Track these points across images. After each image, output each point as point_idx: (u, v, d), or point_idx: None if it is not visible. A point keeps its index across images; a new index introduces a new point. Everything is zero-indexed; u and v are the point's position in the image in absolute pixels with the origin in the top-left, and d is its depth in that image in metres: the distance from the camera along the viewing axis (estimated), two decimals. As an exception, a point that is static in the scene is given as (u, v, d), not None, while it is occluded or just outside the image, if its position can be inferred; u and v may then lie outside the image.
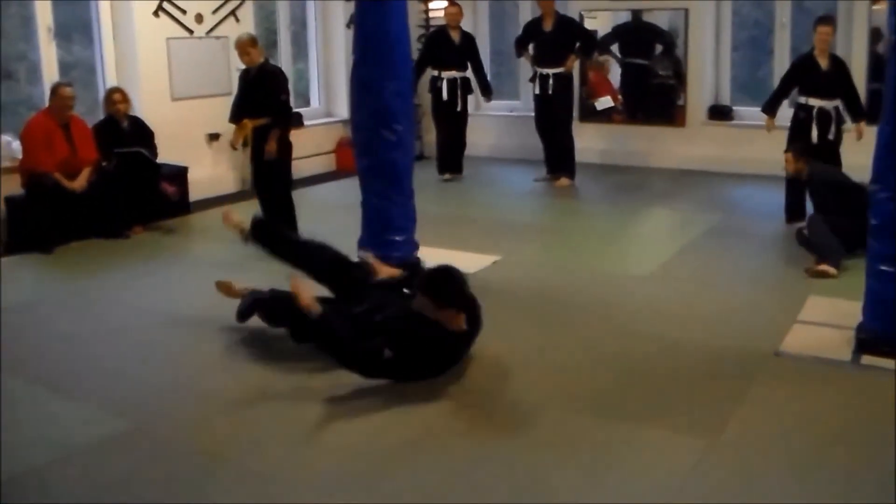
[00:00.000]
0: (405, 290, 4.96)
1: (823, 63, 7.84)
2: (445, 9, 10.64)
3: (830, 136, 7.80)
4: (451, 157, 10.74)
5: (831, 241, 6.60)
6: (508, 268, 6.86)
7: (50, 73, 8.69)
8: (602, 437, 4.08)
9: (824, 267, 6.42)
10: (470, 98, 10.83)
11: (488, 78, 10.91)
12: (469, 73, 10.61)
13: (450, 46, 10.41)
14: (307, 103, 11.63)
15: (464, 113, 10.68)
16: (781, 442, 4.01)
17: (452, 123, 10.64)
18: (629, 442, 4.04)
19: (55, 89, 7.96)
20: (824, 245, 6.61)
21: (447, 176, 10.63)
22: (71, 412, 4.55)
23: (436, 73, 10.46)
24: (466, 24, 11.86)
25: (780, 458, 3.87)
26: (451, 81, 10.46)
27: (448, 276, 4.66)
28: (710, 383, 4.68)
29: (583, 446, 4.01)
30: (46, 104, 8.16)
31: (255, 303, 5.30)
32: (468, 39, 10.64)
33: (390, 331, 4.53)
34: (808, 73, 7.91)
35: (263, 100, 7.73)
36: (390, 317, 4.66)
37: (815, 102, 7.83)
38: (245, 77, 7.95)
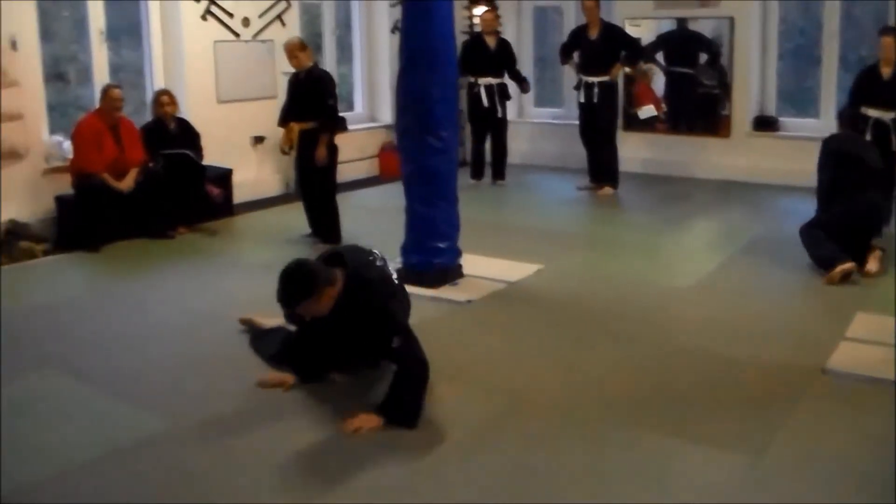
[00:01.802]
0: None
1: (886, 73, 7.76)
2: (481, 15, 10.64)
3: (894, 148, 7.70)
4: (494, 164, 10.78)
5: (826, 247, 6.70)
6: (551, 277, 6.84)
7: (100, 74, 8.80)
8: (643, 451, 4.05)
9: (840, 268, 6.45)
10: (512, 104, 10.82)
11: (529, 81, 10.92)
12: (506, 79, 10.63)
13: (486, 53, 10.41)
14: (350, 107, 11.66)
15: (503, 119, 10.68)
16: (828, 462, 3.95)
17: (489, 130, 10.67)
18: (670, 456, 4.01)
19: (105, 91, 8.06)
20: (821, 255, 6.71)
21: (478, 181, 10.71)
22: (113, 410, 4.59)
23: (473, 79, 10.46)
24: (510, 31, 11.90)
25: (826, 478, 3.82)
26: (489, 88, 10.47)
27: (288, 277, 4.28)
28: (755, 399, 4.62)
29: (623, 459, 3.98)
30: (96, 105, 8.26)
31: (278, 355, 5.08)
32: (504, 45, 10.64)
33: (360, 336, 4.52)
34: (869, 84, 7.83)
35: (311, 104, 7.74)
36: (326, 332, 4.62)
37: (872, 113, 7.74)
38: (294, 81, 7.97)
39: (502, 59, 10.55)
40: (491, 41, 10.53)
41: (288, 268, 4.31)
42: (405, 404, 4.29)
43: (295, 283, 4.25)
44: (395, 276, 4.78)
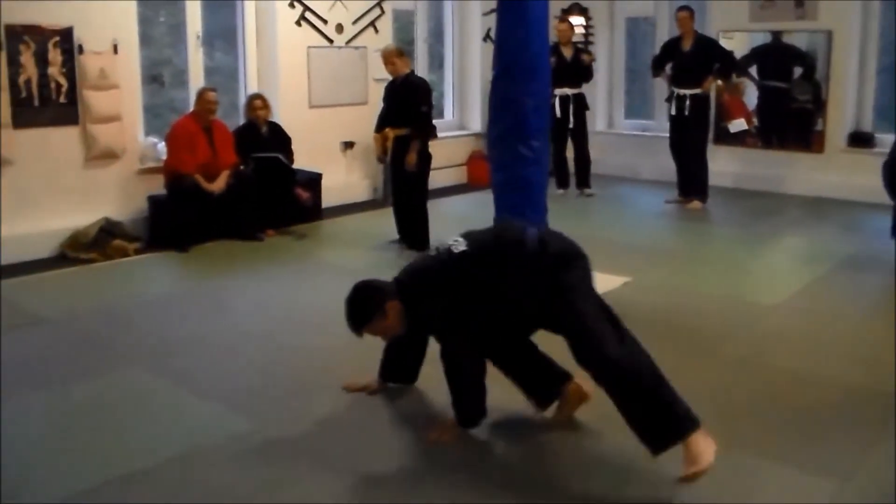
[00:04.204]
0: None
1: None
2: (557, 26, 10.57)
3: None
4: (577, 174, 10.77)
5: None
6: (638, 290, 6.77)
7: (196, 77, 8.96)
8: (727, 469, 3.93)
9: None
10: (602, 115, 10.72)
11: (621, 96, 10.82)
12: (584, 90, 10.61)
13: (561, 63, 10.32)
14: (441, 115, 11.71)
15: (580, 129, 10.64)
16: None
17: (564, 140, 10.62)
18: (755, 476, 3.93)
19: (200, 94, 8.21)
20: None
21: (564, 191, 10.71)
22: (197, 409, 4.66)
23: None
24: (602, 42, 11.87)
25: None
26: (564, 98, 10.42)
27: (349, 303, 4.17)
28: (843, 422, 4.49)
29: (706, 479, 3.84)
30: (191, 108, 8.42)
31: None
32: (579, 56, 10.62)
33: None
34: None
35: (406, 110, 7.80)
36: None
37: None
38: (390, 88, 8.04)
39: (577, 70, 10.52)
40: (567, 52, 10.49)
41: (349, 293, 4.21)
42: (456, 407, 4.23)
43: (354, 307, 4.16)
44: (456, 248, 4.13)
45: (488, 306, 4.06)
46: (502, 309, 4.10)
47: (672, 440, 3.64)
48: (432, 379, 4.55)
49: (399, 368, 4.76)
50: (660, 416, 3.69)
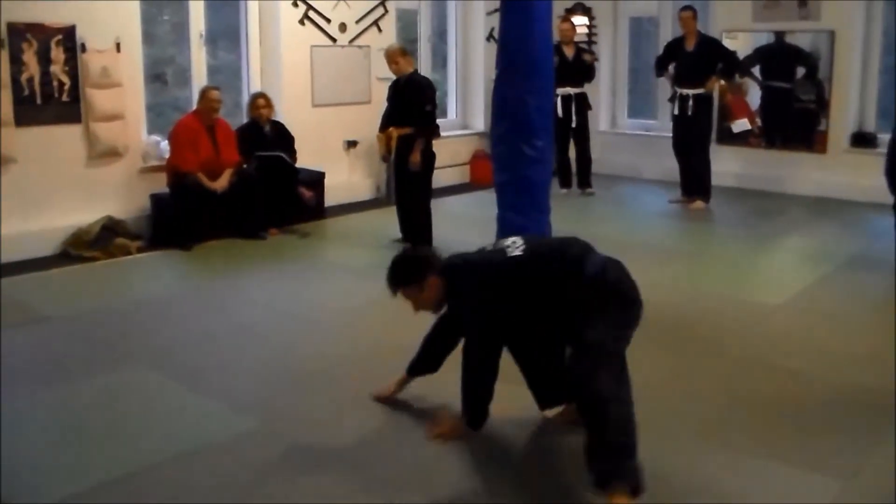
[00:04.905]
0: None
1: None
2: (559, 25, 10.55)
3: None
4: (579, 173, 10.78)
5: None
6: (641, 289, 6.73)
7: (199, 76, 8.96)
8: (730, 471, 3.97)
9: None
10: (605, 115, 10.72)
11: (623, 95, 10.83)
12: (587, 89, 10.61)
13: (563, 62, 10.25)
14: (444, 114, 11.71)
15: (582, 129, 10.65)
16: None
17: (567, 140, 10.60)
18: (759, 477, 3.92)
19: (204, 92, 8.20)
20: None
21: (568, 190, 10.74)
22: (200, 407, 4.65)
23: None
24: (605, 42, 11.87)
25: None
26: (566, 98, 10.42)
27: (394, 262, 4.20)
28: (847, 422, 4.49)
29: (710, 479, 3.90)
30: (193, 106, 8.42)
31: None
32: (580, 55, 10.62)
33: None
34: None
35: (409, 109, 7.77)
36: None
37: None
38: (394, 87, 8.02)
39: (579, 69, 10.51)
40: (569, 51, 10.49)
41: (400, 252, 4.31)
42: (465, 404, 4.20)
43: (397, 267, 4.18)
44: (513, 250, 4.08)
45: (527, 312, 4.04)
46: (539, 318, 4.08)
47: (608, 482, 3.55)
48: (437, 380, 4.54)
49: (429, 360, 4.59)
50: (609, 459, 3.61)
